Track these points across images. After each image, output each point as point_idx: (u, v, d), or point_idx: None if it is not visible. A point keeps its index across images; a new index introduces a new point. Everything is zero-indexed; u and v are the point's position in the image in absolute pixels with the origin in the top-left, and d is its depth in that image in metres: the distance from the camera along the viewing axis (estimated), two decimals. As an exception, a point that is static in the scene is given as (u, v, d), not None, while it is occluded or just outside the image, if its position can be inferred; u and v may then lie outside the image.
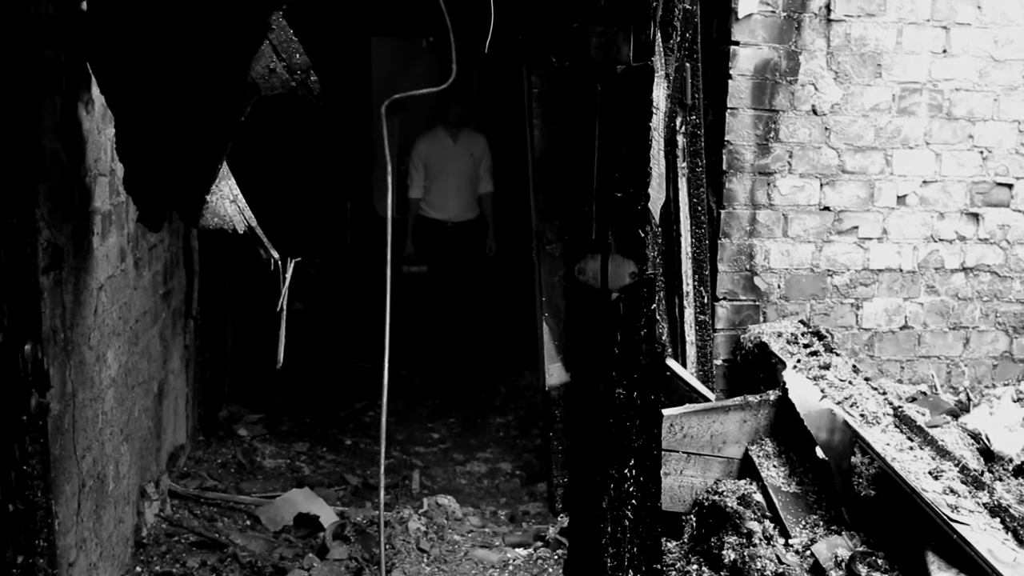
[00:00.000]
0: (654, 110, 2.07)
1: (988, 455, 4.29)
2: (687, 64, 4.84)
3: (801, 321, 5.15)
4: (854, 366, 4.64)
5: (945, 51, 5.15)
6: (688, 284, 4.96)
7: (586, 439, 2.19)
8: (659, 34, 2.24)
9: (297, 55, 3.02)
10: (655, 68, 2.06)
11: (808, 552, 3.85)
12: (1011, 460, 4.26)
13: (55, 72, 3.03)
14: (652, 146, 2.05)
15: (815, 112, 5.09)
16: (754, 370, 5.00)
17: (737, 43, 4.98)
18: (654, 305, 2.07)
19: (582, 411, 2.20)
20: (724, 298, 5.16)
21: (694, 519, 4.40)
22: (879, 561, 3.67)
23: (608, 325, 2.10)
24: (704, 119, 5.00)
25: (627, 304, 2.09)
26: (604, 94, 2.00)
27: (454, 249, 8.01)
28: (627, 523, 2.17)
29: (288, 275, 3.37)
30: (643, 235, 2.04)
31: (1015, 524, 3.41)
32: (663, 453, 4.28)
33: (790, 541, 3.94)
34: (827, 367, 4.55)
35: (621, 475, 2.16)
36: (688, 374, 4.84)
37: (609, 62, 1.97)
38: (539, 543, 4.83)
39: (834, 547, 3.80)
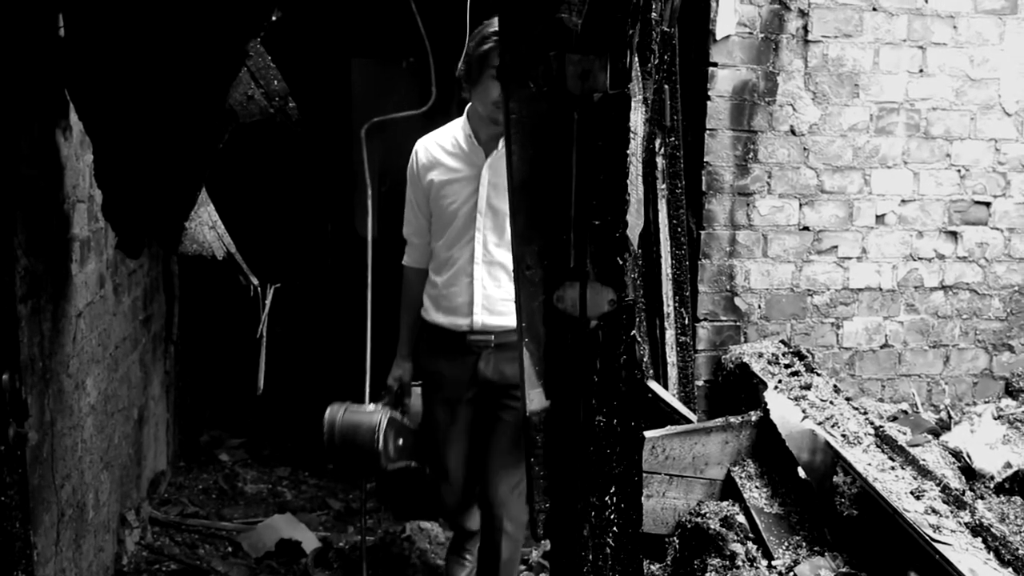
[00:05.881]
0: (632, 136, 2.08)
1: (969, 473, 4.30)
2: (666, 86, 4.85)
3: (782, 341, 5.17)
4: (835, 386, 4.65)
5: (922, 71, 5.18)
6: (669, 305, 4.97)
7: (566, 466, 2.19)
8: (636, 59, 2.25)
9: (275, 82, 3.02)
10: (632, 94, 2.06)
11: (791, 573, 3.85)
12: (992, 478, 4.27)
13: (32, 98, 3.02)
14: (630, 172, 2.06)
15: (793, 132, 5.12)
16: (736, 391, 5.00)
17: (715, 64, 5.01)
18: (634, 331, 2.07)
19: (562, 437, 2.20)
20: (705, 319, 5.17)
21: (677, 541, 4.39)
22: (862, 582, 3.67)
23: (587, 352, 2.10)
24: (683, 140, 5.01)
25: (606, 331, 2.09)
26: (581, 122, 2.01)
27: (481, 403, 3.94)
28: (608, 551, 2.17)
29: (268, 301, 3.37)
30: (622, 263, 2.04)
31: (996, 543, 3.42)
32: (645, 475, 4.27)
33: (773, 563, 3.94)
34: (808, 387, 4.56)
35: (602, 502, 2.16)
36: (670, 395, 4.84)
37: (586, 90, 1.98)
38: (522, 567, 4.81)
39: (817, 568, 3.80)
